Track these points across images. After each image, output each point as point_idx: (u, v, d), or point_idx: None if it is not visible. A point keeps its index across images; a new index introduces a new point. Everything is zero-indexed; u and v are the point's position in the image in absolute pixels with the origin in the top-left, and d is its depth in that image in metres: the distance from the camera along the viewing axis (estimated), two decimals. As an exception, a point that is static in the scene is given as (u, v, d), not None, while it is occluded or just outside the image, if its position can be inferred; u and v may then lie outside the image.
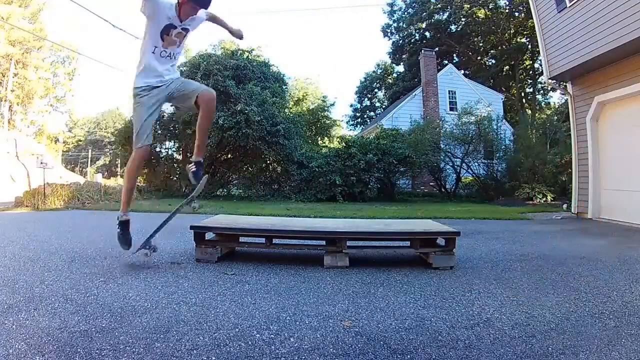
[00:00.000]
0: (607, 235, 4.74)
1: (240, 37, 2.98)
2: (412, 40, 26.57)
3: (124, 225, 2.71)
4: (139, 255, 2.72)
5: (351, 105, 34.59)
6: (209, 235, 3.09)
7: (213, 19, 2.83)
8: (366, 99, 34.26)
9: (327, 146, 15.78)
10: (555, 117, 15.30)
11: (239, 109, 10.28)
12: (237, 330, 1.63)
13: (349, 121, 33.64)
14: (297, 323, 1.72)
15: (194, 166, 2.76)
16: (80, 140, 51.36)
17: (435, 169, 12.48)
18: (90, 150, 48.67)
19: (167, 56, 2.58)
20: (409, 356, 1.44)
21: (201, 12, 2.62)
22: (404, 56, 27.48)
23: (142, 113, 2.55)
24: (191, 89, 2.64)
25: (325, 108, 18.08)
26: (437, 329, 1.68)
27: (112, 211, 7.13)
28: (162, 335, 1.55)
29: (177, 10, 2.47)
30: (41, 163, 8.36)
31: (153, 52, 2.52)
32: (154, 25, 2.47)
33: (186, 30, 2.59)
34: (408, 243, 2.95)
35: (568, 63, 6.45)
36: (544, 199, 9.69)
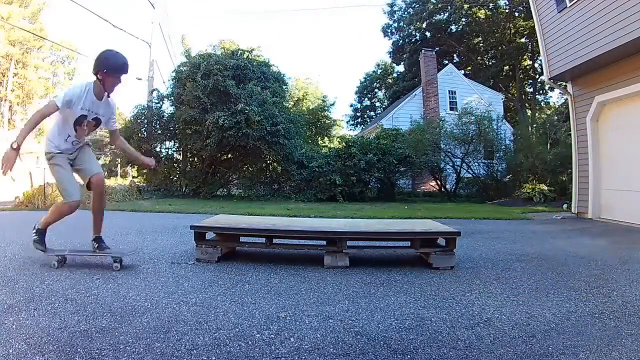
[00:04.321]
0: (607, 235, 4.74)
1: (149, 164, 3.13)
2: (412, 40, 26.54)
3: (41, 233, 2.81)
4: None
5: (351, 105, 34.57)
6: (209, 235, 3.09)
7: (115, 136, 2.94)
8: (366, 99, 34.24)
9: (327, 146, 15.78)
10: (555, 117, 15.31)
11: (239, 108, 10.27)
12: (237, 330, 1.63)
13: (349, 121, 33.59)
14: (297, 323, 1.72)
15: (94, 244, 2.86)
16: (80, 140, 51.32)
17: (435, 169, 12.48)
18: (90, 150, 48.62)
19: (77, 143, 2.71)
20: (409, 356, 1.44)
21: (114, 117, 2.79)
22: (404, 56, 27.45)
23: (63, 174, 2.67)
24: (85, 168, 2.75)
25: (325, 108, 18.07)
26: (438, 329, 1.68)
27: (112, 211, 7.13)
28: (162, 335, 1.55)
29: (99, 88, 2.55)
30: (41, 163, 8.35)
31: (66, 140, 2.64)
32: (68, 117, 2.57)
33: (97, 121, 2.69)
34: (408, 243, 2.95)
35: (568, 63, 6.45)
36: (544, 199, 9.69)
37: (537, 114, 21.20)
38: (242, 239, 3.13)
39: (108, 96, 2.64)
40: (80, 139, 2.69)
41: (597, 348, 1.50)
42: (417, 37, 26.34)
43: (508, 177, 12.03)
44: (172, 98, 12.10)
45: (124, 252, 2.97)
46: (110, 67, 2.51)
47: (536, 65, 23.17)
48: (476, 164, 11.96)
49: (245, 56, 12.42)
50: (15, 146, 2.38)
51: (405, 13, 26.32)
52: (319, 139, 17.14)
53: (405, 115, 16.39)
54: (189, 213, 6.80)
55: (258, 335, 1.59)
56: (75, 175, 2.81)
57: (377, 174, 11.03)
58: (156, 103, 12.61)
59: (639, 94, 5.56)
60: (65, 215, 2.71)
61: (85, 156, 2.79)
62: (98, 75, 2.53)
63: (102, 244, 2.86)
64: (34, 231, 2.81)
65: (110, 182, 16.17)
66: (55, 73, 31.24)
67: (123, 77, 2.59)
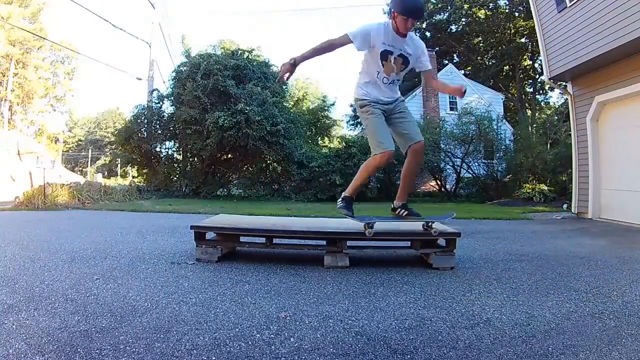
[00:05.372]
0: (607, 235, 4.74)
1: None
2: (412, 40, 26.49)
3: (347, 200, 2.80)
4: (359, 224, 2.73)
5: (351, 105, 34.44)
6: (210, 235, 3.09)
7: (429, 76, 2.72)
8: (366, 99, 34.18)
9: (327, 146, 15.81)
10: (555, 117, 15.29)
11: (239, 108, 10.28)
12: (237, 330, 1.63)
13: (349, 121, 33.53)
14: (297, 323, 1.72)
15: (402, 210, 2.80)
16: (81, 140, 51.36)
17: (435, 168, 12.48)
18: (90, 150, 48.67)
19: (390, 83, 2.59)
20: (409, 356, 1.44)
21: (424, 56, 2.61)
22: (404, 56, 27.40)
23: (377, 123, 2.58)
24: (408, 133, 2.64)
25: (325, 108, 18.12)
26: (437, 329, 1.68)
27: (112, 211, 7.13)
28: (162, 335, 1.55)
29: (395, 27, 2.45)
30: (41, 163, 8.35)
31: (377, 76, 2.56)
32: (372, 52, 2.52)
33: (404, 59, 2.53)
34: (409, 243, 2.95)
35: (568, 63, 6.44)
36: (544, 199, 9.69)
37: (537, 114, 21.18)
38: (242, 239, 3.13)
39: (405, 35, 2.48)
40: (389, 75, 2.56)
41: (597, 348, 1.50)
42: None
43: (508, 177, 12.03)
44: (172, 98, 12.11)
45: (442, 217, 2.86)
46: (400, 9, 2.39)
47: (536, 65, 23.15)
48: (476, 164, 11.96)
49: (245, 56, 12.43)
50: (292, 62, 2.41)
51: (406, 13, 26.25)
52: (319, 139, 17.17)
53: (405, 115, 16.37)
54: (189, 213, 6.80)
55: (258, 335, 1.58)
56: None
57: (377, 174, 11.03)
58: (156, 103, 12.62)
59: (639, 94, 5.56)
60: (377, 168, 2.66)
61: (406, 120, 2.66)
62: (392, 15, 2.44)
63: (412, 210, 2.77)
64: (340, 199, 2.80)
65: (110, 182, 16.19)
66: (55, 73, 31.25)
67: (413, 20, 2.43)
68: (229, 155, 12.41)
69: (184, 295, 2.06)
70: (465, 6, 23.12)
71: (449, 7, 23.85)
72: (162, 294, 2.08)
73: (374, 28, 2.47)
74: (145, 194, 11.27)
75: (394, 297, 2.11)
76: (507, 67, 24.56)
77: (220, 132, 10.37)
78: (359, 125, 32.61)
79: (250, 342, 1.51)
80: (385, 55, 2.49)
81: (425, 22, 24.96)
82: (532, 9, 7.50)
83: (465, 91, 2.59)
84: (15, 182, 14.00)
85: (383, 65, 2.52)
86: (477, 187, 12.25)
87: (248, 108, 10.26)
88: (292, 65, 2.44)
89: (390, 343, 1.54)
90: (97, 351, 1.40)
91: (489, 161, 12.26)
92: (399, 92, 2.74)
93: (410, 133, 2.63)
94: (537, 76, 23.69)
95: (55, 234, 4.21)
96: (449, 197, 12.01)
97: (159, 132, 12.56)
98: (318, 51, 2.50)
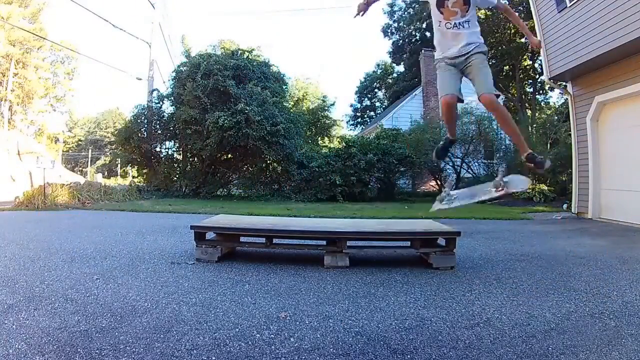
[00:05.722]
0: (607, 235, 4.73)
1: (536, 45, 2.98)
2: (412, 40, 26.49)
3: (448, 142, 2.94)
4: (437, 204, 2.91)
5: (351, 105, 34.55)
6: (210, 235, 3.09)
7: (505, 10, 2.85)
8: (366, 99, 34.23)
9: (327, 146, 15.80)
10: (555, 117, 15.29)
11: (239, 108, 10.27)
12: (237, 330, 1.63)
13: (349, 121, 33.63)
14: (297, 323, 1.72)
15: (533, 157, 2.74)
16: (81, 140, 51.36)
17: (435, 169, 12.48)
18: (90, 150, 48.66)
19: (453, 27, 2.63)
20: (409, 356, 1.44)
21: None
22: (404, 56, 27.42)
23: (440, 75, 2.79)
24: (475, 86, 2.69)
25: (325, 108, 18.10)
26: (437, 329, 1.68)
27: (112, 211, 7.13)
28: (162, 335, 1.55)
29: None
30: (41, 163, 8.35)
31: (439, 27, 2.67)
32: (431, 2, 2.62)
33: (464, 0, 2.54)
34: (408, 243, 2.95)
35: (568, 63, 6.44)
36: (544, 199, 9.69)
37: (537, 114, 21.18)
38: (242, 239, 3.13)
39: None
40: (451, 20, 2.59)
41: (597, 348, 1.50)
42: (417, 37, 26.31)
43: (508, 177, 12.03)
44: (172, 98, 12.11)
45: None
46: None
47: (536, 65, 23.13)
48: (476, 164, 11.96)
49: (245, 56, 12.42)
50: (366, 1, 2.61)
51: (405, 13, 26.31)
52: (319, 139, 17.17)
53: (405, 115, 16.40)
54: (189, 213, 6.80)
55: (258, 335, 1.58)
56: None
57: (377, 174, 11.02)
58: (156, 103, 12.62)
59: (639, 94, 5.56)
60: (446, 112, 2.82)
61: (474, 69, 2.69)
62: None
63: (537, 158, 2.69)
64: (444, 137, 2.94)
65: (110, 182, 16.19)
66: (55, 73, 31.23)
67: None
68: (229, 155, 12.40)
69: (184, 295, 2.06)
70: (465, 6, 23.07)
71: (449, 7, 23.82)
72: (162, 294, 2.08)
73: None
74: (145, 194, 11.26)
75: (394, 297, 2.11)
76: (507, 67, 24.55)
77: (220, 132, 10.37)
78: (359, 125, 32.69)
79: (250, 342, 1.51)
80: (441, 1, 2.58)
81: (425, 22, 24.95)
82: (532, 9, 7.50)
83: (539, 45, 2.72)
84: (15, 182, 13.99)
85: (442, 12, 2.61)
86: (477, 187, 12.25)
87: (248, 108, 10.25)
88: (366, 5, 2.64)
89: (390, 343, 1.54)
90: (97, 351, 1.40)
91: (489, 161, 12.27)
92: (474, 37, 2.69)
93: (476, 86, 2.68)
94: (537, 76, 23.67)
95: (55, 234, 4.21)
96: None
97: (159, 132, 12.56)
98: None
